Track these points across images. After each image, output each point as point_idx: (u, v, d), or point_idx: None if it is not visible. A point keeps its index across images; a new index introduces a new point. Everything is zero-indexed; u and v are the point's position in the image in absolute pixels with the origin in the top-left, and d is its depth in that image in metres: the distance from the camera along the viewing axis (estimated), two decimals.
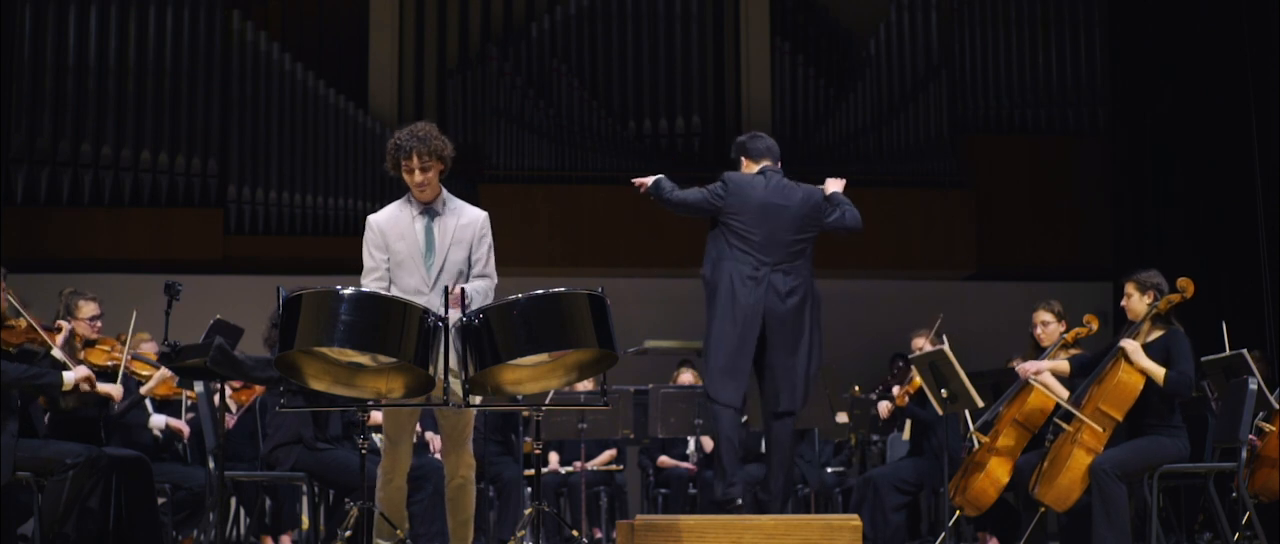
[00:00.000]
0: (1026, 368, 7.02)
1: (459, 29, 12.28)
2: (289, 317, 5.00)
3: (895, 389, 7.99)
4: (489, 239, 5.54)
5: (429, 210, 5.48)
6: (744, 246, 6.32)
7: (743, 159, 6.63)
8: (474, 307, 5.26)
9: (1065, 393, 6.91)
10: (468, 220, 5.52)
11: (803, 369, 6.36)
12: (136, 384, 7.00)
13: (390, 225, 5.49)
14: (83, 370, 6.23)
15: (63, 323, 6.45)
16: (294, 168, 11.55)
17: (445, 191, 5.54)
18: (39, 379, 6.10)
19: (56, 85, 11.27)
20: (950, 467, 7.44)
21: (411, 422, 5.53)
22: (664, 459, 9.22)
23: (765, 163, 6.56)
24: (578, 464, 8.83)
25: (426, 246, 5.45)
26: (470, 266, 5.50)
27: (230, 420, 7.94)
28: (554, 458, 9.19)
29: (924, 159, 11.86)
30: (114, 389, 6.58)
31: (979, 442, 7.24)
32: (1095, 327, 7.17)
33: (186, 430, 7.58)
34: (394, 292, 5.40)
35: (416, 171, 5.41)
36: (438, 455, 7.76)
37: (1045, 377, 6.98)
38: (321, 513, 7.42)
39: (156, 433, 7.40)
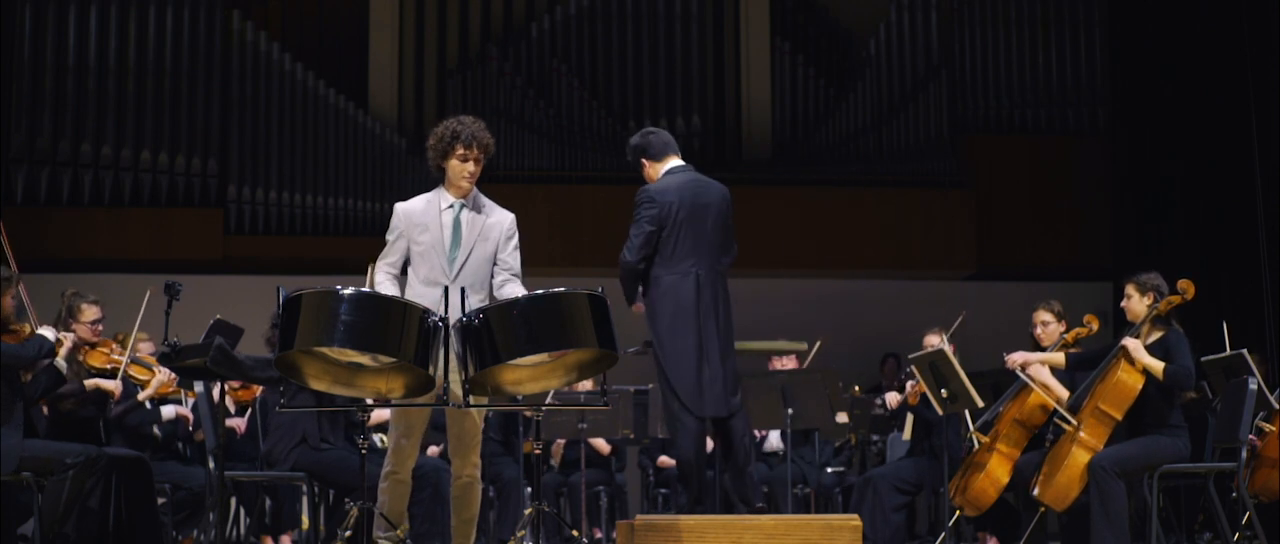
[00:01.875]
0: (1014, 359, 7.03)
1: (459, 29, 12.28)
2: (289, 317, 5.00)
3: (908, 386, 7.95)
4: (516, 239, 5.61)
5: (460, 204, 5.51)
6: (673, 251, 6.12)
7: (644, 161, 6.29)
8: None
9: (1059, 388, 6.92)
10: (496, 219, 5.57)
11: (730, 373, 6.23)
12: (135, 388, 7.00)
13: (418, 215, 5.51)
14: (59, 344, 6.24)
15: (66, 335, 6.44)
16: (294, 168, 11.55)
17: (477, 189, 5.58)
18: (39, 350, 6.12)
19: (56, 85, 11.27)
20: (950, 467, 7.43)
21: (422, 419, 5.53)
22: (664, 459, 9.21)
23: (671, 160, 6.28)
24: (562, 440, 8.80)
25: (453, 240, 5.47)
26: (496, 264, 5.52)
27: (241, 424, 7.93)
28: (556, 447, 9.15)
29: (924, 159, 11.86)
30: (112, 384, 6.60)
31: (978, 442, 7.23)
32: (1096, 327, 7.17)
33: (192, 418, 7.56)
34: (411, 279, 5.41)
35: (471, 162, 5.46)
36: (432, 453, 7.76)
37: (1034, 370, 6.98)
38: (321, 513, 7.43)
39: (155, 431, 7.39)
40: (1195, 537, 8.15)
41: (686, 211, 6.13)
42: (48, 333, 6.19)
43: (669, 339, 6.11)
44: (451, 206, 5.52)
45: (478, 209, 5.55)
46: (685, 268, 6.12)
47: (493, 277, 5.54)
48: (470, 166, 5.47)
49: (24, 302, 6.24)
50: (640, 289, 6.21)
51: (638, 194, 6.23)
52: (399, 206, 5.58)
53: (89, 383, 6.56)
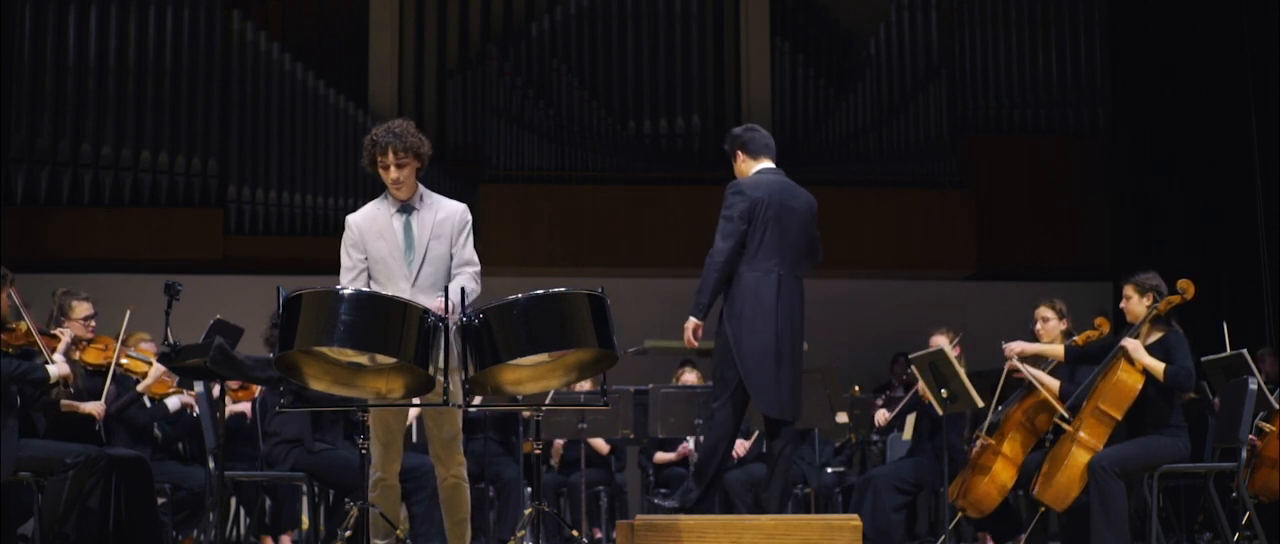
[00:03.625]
0: (1011, 347, 7.03)
1: (459, 29, 12.28)
2: (289, 317, 5.00)
3: (920, 386, 7.93)
4: (469, 230, 5.54)
5: (407, 207, 5.48)
6: (758, 249, 6.09)
7: (739, 153, 6.29)
8: (460, 299, 5.26)
9: (1050, 381, 6.92)
10: (446, 214, 5.51)
11: (798, 380, 6.24)
12: (133, 382, 6.99)
13: (368, 224, 5.49)
14: (64, 367, 6.22)
15: (62, 331, 6.43)
16: (294, 168, 11.55)
17: (423, 188, 5.55)
18: (31, 374, 6.11)
19: (56, 85, 11.26)
20: (951, 467, 7.43)
21: (402, 422, 5.52)
22: (661, 455, 9.18)
23: (765, 161, 6.28)
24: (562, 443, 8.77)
25: (406, 243, 5.44)
26: (453, 260, 5.49)
27: (248, 408, 7.87)
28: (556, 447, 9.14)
29: (924, 159, 11.86)
30: (96, 407, 6.56)
31: (983, 443, 7.20)
32: (1106, 330, 7.12)
33: (195, 407, 7.54)
34: (374, 289, 5.40)
35: (392, 168, 5.42)
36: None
37: (1029, 360, 6.99)
38: (321, 513, 7.42)
39: (156, 431, 7.38)
40: (1195, 537, 8.14)
41: (774, 210, 6.10)
42: (52, 369, 6.17)
43: (747, 336, 6.03)
44: (400, 211, 5.49)
45: (426, 208, 5.50)
46: (768, 267, 6.08)
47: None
48: (394, 173, 5.41)
49: (17, 302, 6.23)
50: (709, 302, 6.09)
51: (728, 187, 6.19)
52: (350, 219, 5.54)
53: (66, 405, 6.50)
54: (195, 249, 11.36)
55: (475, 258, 5.53)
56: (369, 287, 5.42)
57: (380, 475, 5.48)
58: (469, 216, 5.56)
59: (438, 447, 5.49)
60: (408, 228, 5.46)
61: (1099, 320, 7.17)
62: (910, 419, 8.25)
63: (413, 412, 6.15)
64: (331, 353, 5.14)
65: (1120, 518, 6.35)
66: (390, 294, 5.23)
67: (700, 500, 6.09)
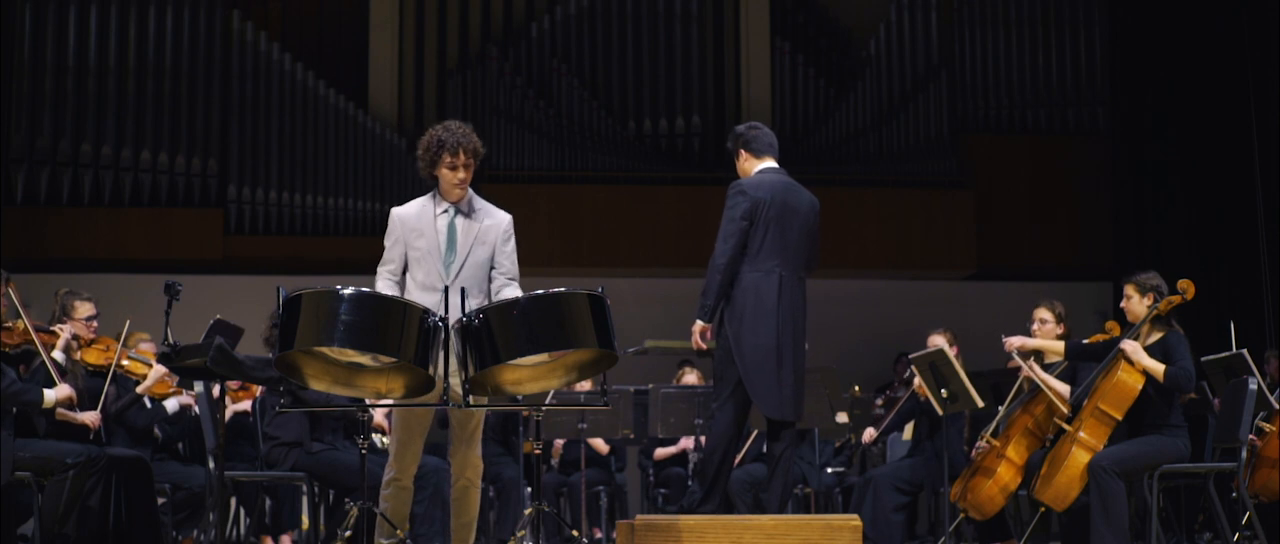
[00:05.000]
0: (1012, 342, 7.03)
1: (459, 29, 12.28)
2: (289, 317, 5.00)
3: (918, 384, 7.93)
4: (513, 241, 5.59)
5: (455, 208, 5.50)
6: (759, 249, 6.07)
7: (742, 152, 6.26)
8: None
9: (1058, 385, 6.92)
10: (492, 222, 5.55)
11: (800, 381, 6.23)
12: (134, 384, 6.99)
13: (413, 220, 5.50)
14: (65, 390, 6.22)
15: (61, 327, 6.43)
16: (294, 168, 11.55)
17: (471, 191, 5.56)
18: (22, 396, 6.10)
19: (56, 85, 11.27)
20: (950, 468, 7.42)
21: (424, 423, 5.52)
22: (660, 450, 9.17)
23: (768, 160, 6.25)
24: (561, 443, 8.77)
25: (448, 244, 5.45)
26: (493, 267, 5.50)
27: (246, 398, 7.86)
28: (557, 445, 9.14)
29: (924, 159, 11.87)
30: (91, 417, 6.55)
31: (988, 444, 7.19)
32: (1117, 333, 7.10)
33: (195, 406, 7.54)
34: (409, 284, 5.41)
35: (460, 169, 5.44)
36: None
37: (1030, 356, 6.99)
38: (321, 513, 7.43)
39: (157, 431, 7.38)
40: (1195, 537, 8.14)
41: (776, 210, 6.08)
42: (50, 393, 6.17)
43: (748, 336, 6.01)
44: (446, 211, 5.50)
45: (473, 212, 5.53)
46: (769, 267, 6.06)
47: (490, 280, 5.52)
48: (460, 173, 5.45)
49: (15, 301, 6.23)
50: (715, 304, 6.05)
51: (730, 187, 6.16)
52: (395, 212, 5.56)
53: (61, 414, 6.49)
54: (195, 249, 11.36)
55: (516, 269, 5.56)
56: (405, 281, 5.44)
57: (395, 475, 5.47)
58: (512, 228, 5.60)
59: (458, 444, 5.49)
60: (452, 229, 5.47)
61: (1110, 324, 7.16)
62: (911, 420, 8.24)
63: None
64: (332, 353, 5.14)
65: (1120, 518, 6.35)
66: (390, 295, 5.23)
67: (703, 501, 6.08)
